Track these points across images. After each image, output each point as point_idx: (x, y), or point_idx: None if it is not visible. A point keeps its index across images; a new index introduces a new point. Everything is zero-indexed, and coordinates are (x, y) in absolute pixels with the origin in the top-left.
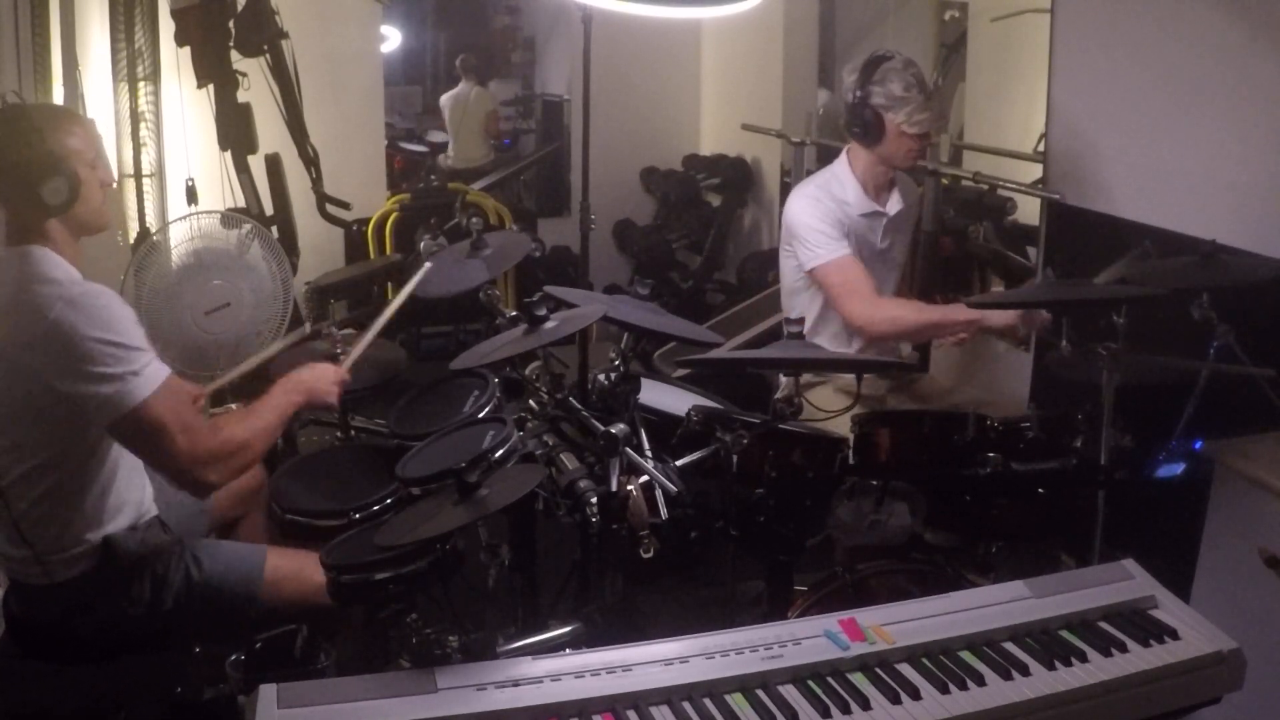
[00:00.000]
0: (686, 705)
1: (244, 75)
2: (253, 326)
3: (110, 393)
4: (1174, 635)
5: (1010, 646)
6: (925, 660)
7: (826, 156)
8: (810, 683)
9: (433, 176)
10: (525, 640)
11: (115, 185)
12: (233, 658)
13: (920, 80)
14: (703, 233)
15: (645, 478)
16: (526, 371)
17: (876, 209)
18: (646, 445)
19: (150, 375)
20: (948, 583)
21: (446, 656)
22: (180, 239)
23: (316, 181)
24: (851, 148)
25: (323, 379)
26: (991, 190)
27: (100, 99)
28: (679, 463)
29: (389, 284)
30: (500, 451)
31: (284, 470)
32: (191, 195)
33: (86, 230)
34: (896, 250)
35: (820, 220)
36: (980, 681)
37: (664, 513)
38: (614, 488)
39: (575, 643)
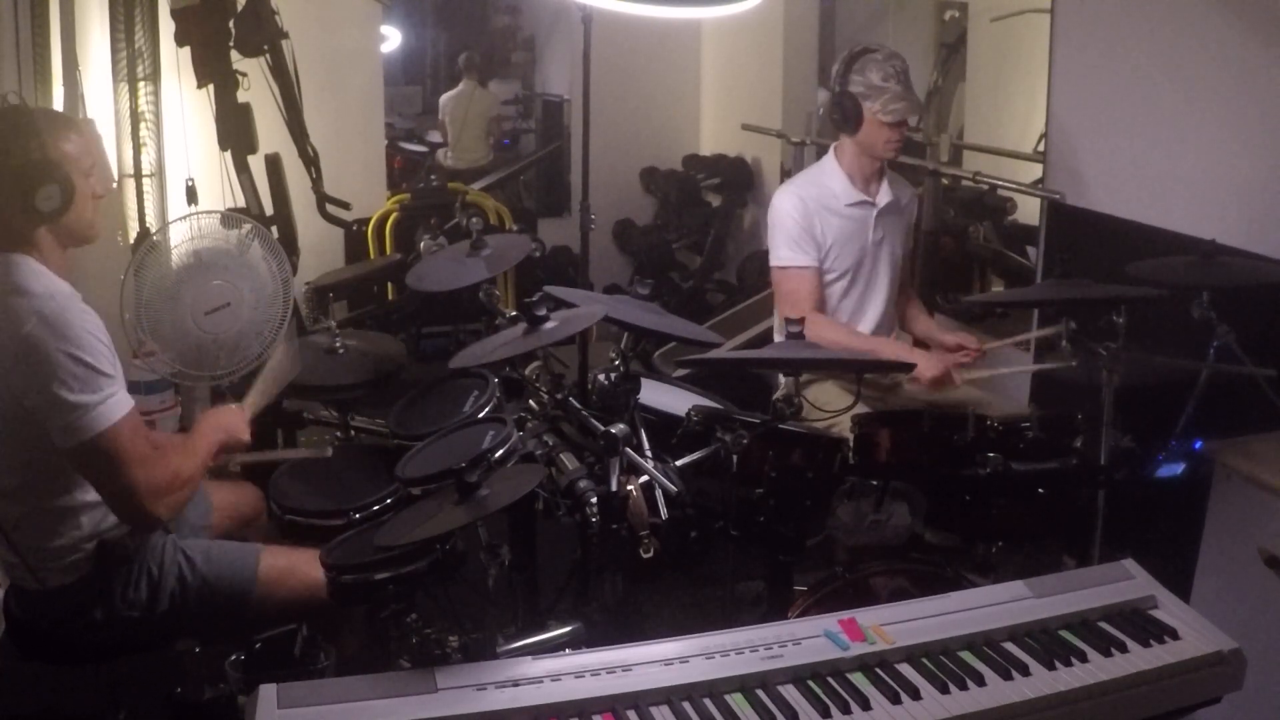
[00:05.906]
0: (686, 705)
1: (244, 75)
2: (253, 326)
3: (73, 418)
4: (1174, 635)
5: (1010, 646)
6: (925, 660)
7: None
8: (810, 683)
9: (433, 176)
10: (525, 640)
11: (115, 187)
12: (233, 658)
13: (900, 73)
14: (703, 233)
15: (645, 478)
16: (526, 371)
17: (864, 198)
18: (646, 445)
19: (115, 404)
20: (948, 583)
21: (446, 656)
22: (180, 239)
23: (316, 181)
24: (840, 142)
25: (237, 419)
26: (991, 190)
27: (100, 99)
28: (679, 463)
29: (389, 284)
30: (500, 451)
31: (284, 470)
32: (191, 195)
33: (75, 240)
34: (890, 245)
35: (795, 225)
36: (980, 681)
37: (664, 513)
38: (614, 488)
39: (575, 643)
